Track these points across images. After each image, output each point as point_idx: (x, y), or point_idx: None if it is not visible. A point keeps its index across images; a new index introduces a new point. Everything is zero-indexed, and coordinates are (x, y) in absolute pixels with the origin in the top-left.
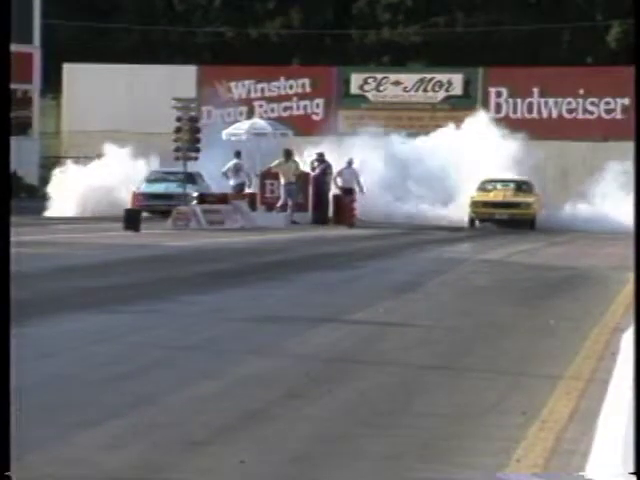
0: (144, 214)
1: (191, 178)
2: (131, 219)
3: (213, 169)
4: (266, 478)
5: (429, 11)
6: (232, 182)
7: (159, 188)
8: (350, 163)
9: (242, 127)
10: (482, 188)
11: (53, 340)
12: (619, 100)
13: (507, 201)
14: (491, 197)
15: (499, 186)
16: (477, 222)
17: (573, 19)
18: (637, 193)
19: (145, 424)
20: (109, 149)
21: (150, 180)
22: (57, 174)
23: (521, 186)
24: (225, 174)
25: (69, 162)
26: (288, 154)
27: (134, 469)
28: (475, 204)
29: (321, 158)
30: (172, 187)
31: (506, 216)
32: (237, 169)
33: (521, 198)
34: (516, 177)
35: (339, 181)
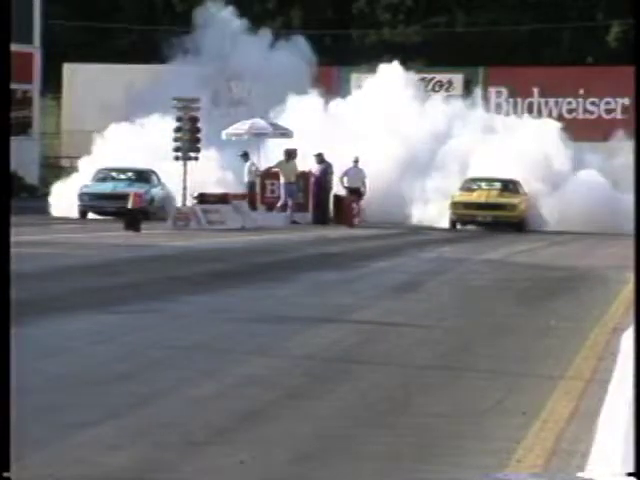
0: (90, 216)
1: (143, 177)
2: (131, 219)
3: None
4: (266, 478)
5: (429, 11)
6: (249, 180)
7: (106, 188)
8: (356, 162)
9: (242, 127)
10: (465, 187)
11: (53, 340)
12: (619, 100)
13: (490, 202)
14: (473, 198)
15: (484, 185)
16: (458, 225)
17: (573, 19)
18: (637, 193)
19: (145, 424)
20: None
21: (98, 179)
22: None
23: (507, 186)
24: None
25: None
26: (288, 154)
27: (134, 469)
28: (456, 205)
29: (321, 158)
30: (120, 186)
31: (489, 218)
32: (251, 169)
33: (506, 199)
34: (503, 176)
35: (345, 181)
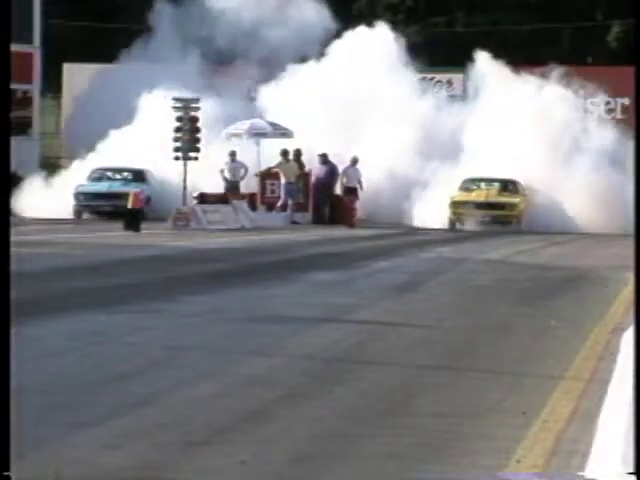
0: (85, 216)
1: (139, 176)
2: (131, 219)
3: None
4: (266, 478)
5: (429, 11)
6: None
7: (102, 187)
8: (354, 162)
9: (242, 127)
10: (464, 187)
11: (53, 340)
12: (619, 100)
13: (490, 201)
14: (473, 197)
15: (483, 185)
16: (458, 224)
17: (573, 19)
18: (637, 192)
19: (145, 424)
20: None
21: (93, 178)
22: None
23: (507, 185)
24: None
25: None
26: (286, 154)
27: (134, 469)
28: (455, 204)
29: (325, 159)
30: (116, 186)
31: (489, 218)
32: (237, 170)
33: (505, 198)
34: (502, 176)
35: (344, 180)
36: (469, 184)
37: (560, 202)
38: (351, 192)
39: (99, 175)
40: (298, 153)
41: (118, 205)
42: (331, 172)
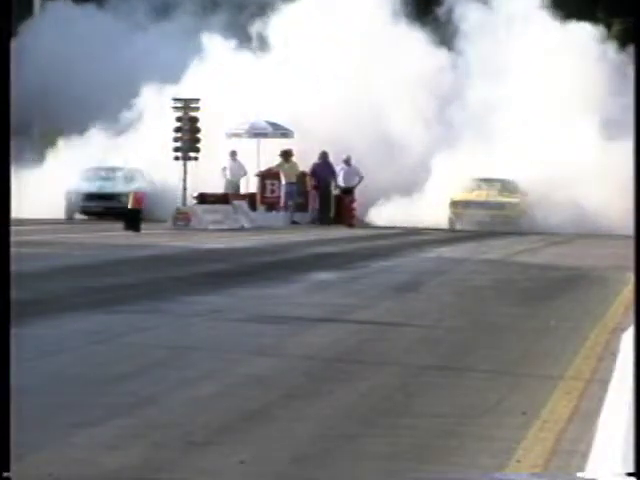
0: (77, 216)
1: (131, 176)
2: (131, 219)
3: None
4: (266, 478)
5: (429, 10)
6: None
7: (93, 187)
8: (348, 161)
9: (242, 127)
10: (465, 187)
11: (53, 340)
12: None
13: (490, 201)
14: (473, 197)
15: (483, 185)
16: (457, 224)
17: (573, 18)
18: (637, 193)
19: (145, 424)
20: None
21: (86, 179)
22: None
23: (507, 186)
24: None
25: None
26: (285, 155)
27: (134, 469)
28: (455, 204)
29: (324, 158)
30: (108, 186)
31: (489, 218)
32: (236, 170)
33: (506, 198)
34: (502, 176)
35: (339, 180)
36: (469, 184)
37: (563, 199)
38: (346, 192)
39: (91, 175)
40: (289, 154)
41: (110, 206)
42: (328, 171)
